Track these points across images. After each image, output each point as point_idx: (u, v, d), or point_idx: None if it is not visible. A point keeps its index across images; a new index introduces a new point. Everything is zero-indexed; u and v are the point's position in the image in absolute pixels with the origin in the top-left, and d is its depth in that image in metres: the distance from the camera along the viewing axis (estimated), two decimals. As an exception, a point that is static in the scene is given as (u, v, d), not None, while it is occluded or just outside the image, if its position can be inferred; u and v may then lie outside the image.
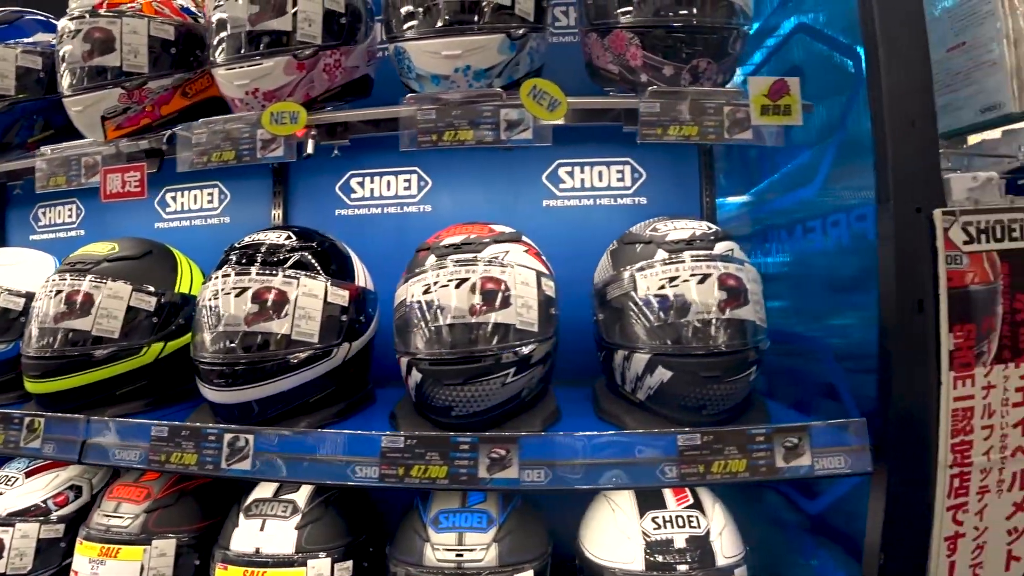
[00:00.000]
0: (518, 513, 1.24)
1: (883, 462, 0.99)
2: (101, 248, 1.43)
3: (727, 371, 1.04)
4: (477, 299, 1.07)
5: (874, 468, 0.98)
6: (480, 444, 0.94)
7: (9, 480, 1.52)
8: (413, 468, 0.94)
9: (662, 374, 1.05)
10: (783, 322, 1.45)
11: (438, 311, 1.08)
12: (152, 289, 1.39)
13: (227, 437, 1.05)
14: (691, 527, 1.15)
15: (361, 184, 1.71)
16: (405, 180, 1.69)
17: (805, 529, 1.33)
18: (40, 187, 1.41)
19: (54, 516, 1.49)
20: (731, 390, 1.05)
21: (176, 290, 1.44)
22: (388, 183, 1.70)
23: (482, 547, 1.15)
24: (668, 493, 1.22)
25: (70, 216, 1.98)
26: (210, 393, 1.16)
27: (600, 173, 1.64)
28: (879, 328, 1.01)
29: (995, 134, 1.31)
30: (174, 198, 1.85)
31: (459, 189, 1.68)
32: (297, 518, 1.25)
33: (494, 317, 1.06)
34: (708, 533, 1.15)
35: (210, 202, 1.81)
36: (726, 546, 1.14)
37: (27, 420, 1.23)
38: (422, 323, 1.09)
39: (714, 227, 1.22)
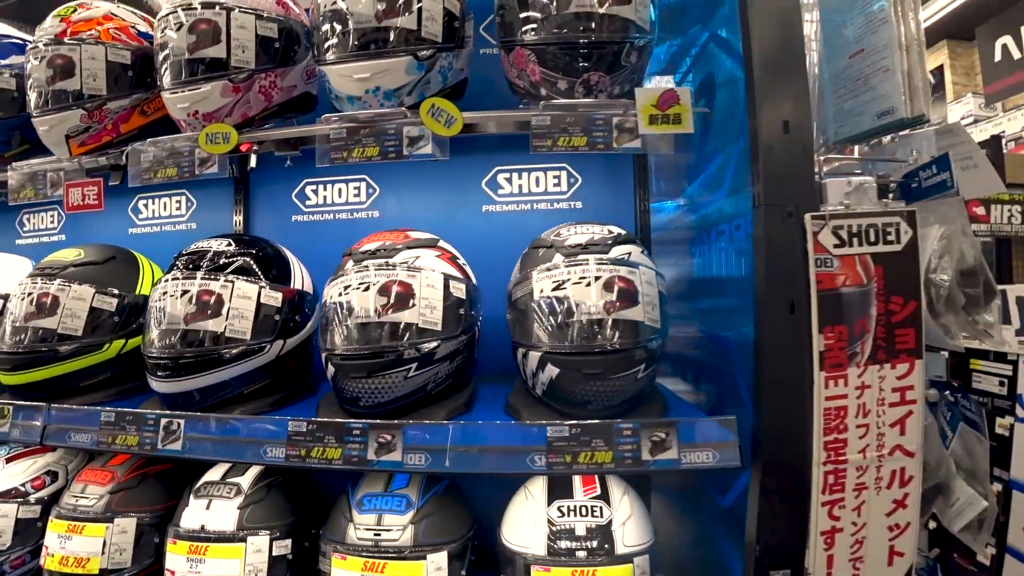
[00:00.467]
0: (438, 499, 1.34)
1: (758, 458, 1.05)
2: (69, 254, 1.56)
3: (610, 368, 1.11)
4: (382, 300, 1.18)
5: (746, 463, 1.04)
6: (369, 430, 1.04)
7: (-7, 465, 1.67)
8: (313, 450, 1.05)
9: (551, 371, 1.13)
10: (708, 323, 1.51)
11: (349, 311, 1.19)
12: (115, 291, 1.52)
13: (163, 421, 1.18)
14: (593, 516, 1.22)
15: (315, 191, 1.82)
16: (355, 187, 1.80)
17: (720, 521, 1.40)
18: (12, 200, 1.55)
19: (32, 498, 1.63)
20: (616, 387, 1.12)
21: (137, 292, 1.57)
22: (339, 190, 1.81)
23: (399, 528, 1.25)
24: (577, 483, 1.31)
25: (52, 222, 2.14)
26: (156, 384, 1.30)
27: (537, 179, 1.72)
28: (754, 329, 1.07)
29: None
30: (146, 205, 1.99)
31: (405, 196, 1.77)
32: (240, 499, 1.37)
33: (396, 317, 1.16)
34: (610, 523, 1.22)
35: (178, 209, 1.95)
36: (628, 536, 1.21)
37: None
38: (336, 322, 1.20)
39: (619, 231, 1.29)
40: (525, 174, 1.71)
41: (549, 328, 1.14)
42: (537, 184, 1.71)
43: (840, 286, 1.06)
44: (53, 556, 1.43)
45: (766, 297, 1.05)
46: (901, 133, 1.28)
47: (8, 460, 1.69)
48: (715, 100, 1.40)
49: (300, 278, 1.47)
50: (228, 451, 1.12)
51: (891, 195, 1.23)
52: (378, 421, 1.06)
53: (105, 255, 1.58)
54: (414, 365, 1.15)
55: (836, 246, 1.07)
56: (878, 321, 1.07)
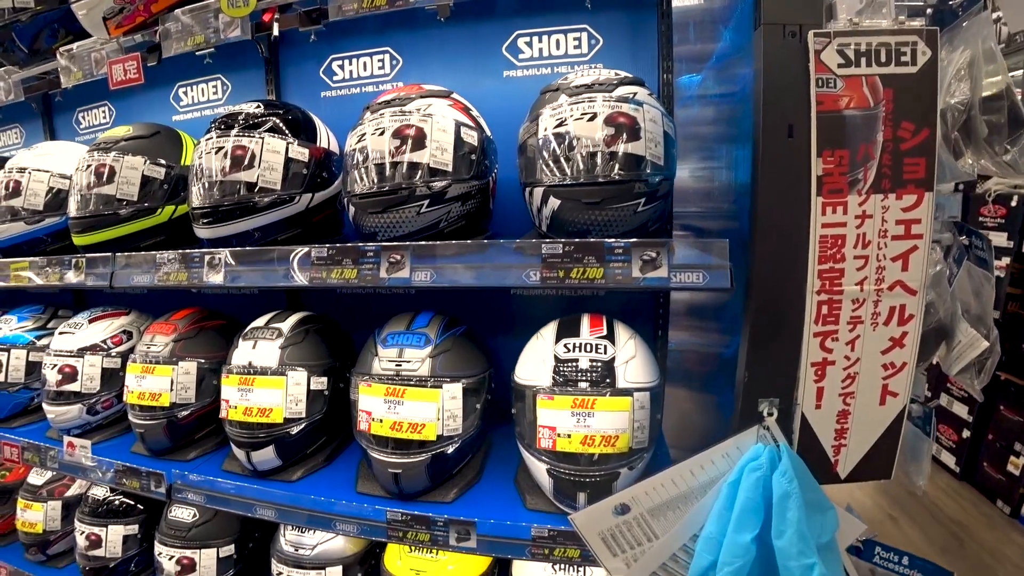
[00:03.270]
0: (455, 339, 1.46)
1: (751, 284, 1.07)
2: (120, 131, 1.70)
3: (608, 199, 1.15)
4: (396, 143, 1.25)
5: (737, 288, 1.08)
6: (381, 251, 1.14)
7: (77, 325, 1.91)
8: (333, 271, 1.16)
9: (553, 204, 1.18)
10: (718, 176, 1.52)
11: (366, 155, 1.27)
12: (162, 161, 1.66)
13: (207, 256, 1.33)
14: (597, 352, 1.30)
15: (341, 67, 1.88)
16: (379, 60, 1.84)
17: (722, 371, 1.45)
18: (65, 82, 1.69)
19: (113, 352, 1.88)
20: (613, 217, 1.16)
21: (182, 163, 1.70)
22: (364, 64, 1.85)
23: (418, 360, 1.38)
24: (584, 324, 1.39)
25: (104, 118, 2.32)
26: (199, 231, 1.44)
27: (558, 42, 1.70)
28: (751, 153, 1.07)
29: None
30: (185, 93, 2.11)
31: (428, 65, 1.80)
32: (281, 340, 1.54)
33: (408, 157, 1.24)
34: (613, 359, 1.28)
35: (215, 93, 2.06)
36: (631, 373, 1.27)
37: (73, 260, 1.57)
38: (354, 166, 1.29)
39: (627, 74, 1.29)
40: (545, 37, 1.70)
41: (552, 164, 1.18)
42: (558, 47, 1.70)
43: (843, 108, 1.01)
44: (132, 392, 1.66)
45: (763, 120, 1.04)
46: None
47: (91, 321, 1.93)
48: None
49: (327, 140, 1.56)
50: (261, 278, 1.25)
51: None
52: (390, 244, 1.15)
53: (151, 131, 1.71)
54: (426, 202, 1.23)
55: (841, 66, 1.02)
56: (885, 148, 1.02)
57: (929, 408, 1.35)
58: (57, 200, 1.86)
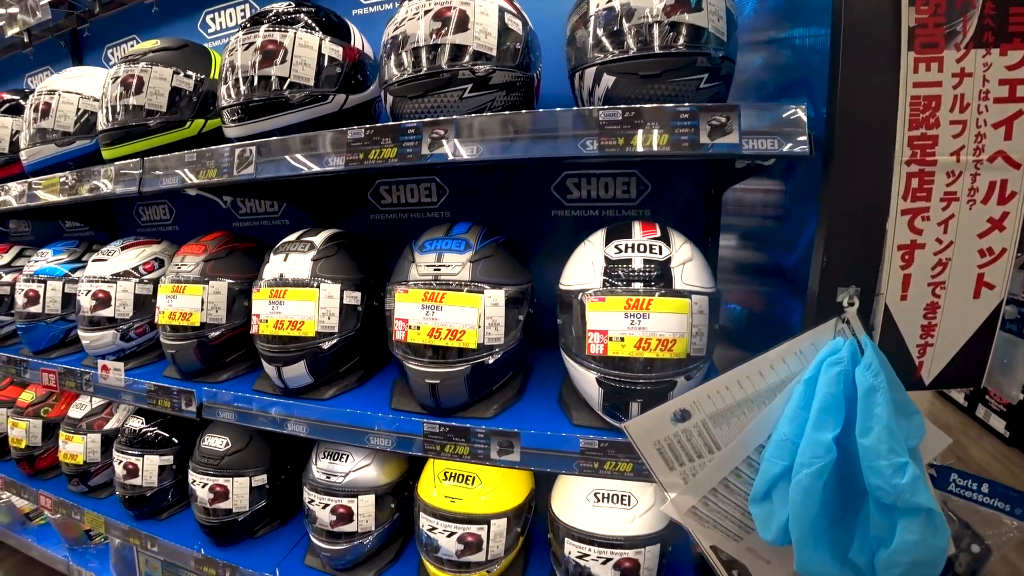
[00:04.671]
0: (496, 247, 1.37)
1: (832, 152, 0.96)
2: (148, 44, 1.65)
3: (667, 71, 1.04)
4: (436, 25, 1.15)
5: (816, 154, 0.96)
6: (423, 128, 1.05)
7: (110, 252, 1.89)
8: (371, 152, 1.08)
9: (606, 81, 1.08)
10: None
11: (405, 39, 1.18)
12: (190, 73, 1.60)
13: (238, 151, 1.26)
14: (651, 252, 1.20)
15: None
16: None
17: (784, 282, 1.34)
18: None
19: (145, 279, 1.85)
20: (673, 92, 1.06)
21: (211, 77, 1.64)
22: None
23: (458, 264, 1.29)
24: (636, 227, 1.29)
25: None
26: (229, 131, 1.37)
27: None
28: (832, 6, 0.95)
29: None
30: (212, 19, 2.07)
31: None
32: (313, 252, 1.47)
33: (450, 39, 1.14)
34: (669, 260, 1.19)
35: (243, 16, 2.00)
36: (687, 275, 1.17)
37: (103, 170, 1.52)
38: (394, 49, 1.20)
39: None
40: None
41: (605, 40, 1.08)
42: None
43: (938, -54, 0.89)
44: (163, 313, 1.62)
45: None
46: None
47: (123, 248, 1.90)
48: None
49: (361, 43, 1.48)
50: (292, 168, 1.18)
51: None
52: (429, 120, 1.06)
53: (179, 43, 1.65)
54: (469, 86, 1.14)
55: None
56: (988, -7, 0.88)
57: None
58: (88, 124, 1.82)
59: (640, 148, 0.95)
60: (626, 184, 1.71)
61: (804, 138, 0.95)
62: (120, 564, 2.29)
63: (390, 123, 1.09)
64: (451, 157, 1.01)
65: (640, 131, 0.95)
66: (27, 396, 2.38)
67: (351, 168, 1.09)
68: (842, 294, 1.00)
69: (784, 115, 0.96)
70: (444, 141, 1.02)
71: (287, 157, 1.18)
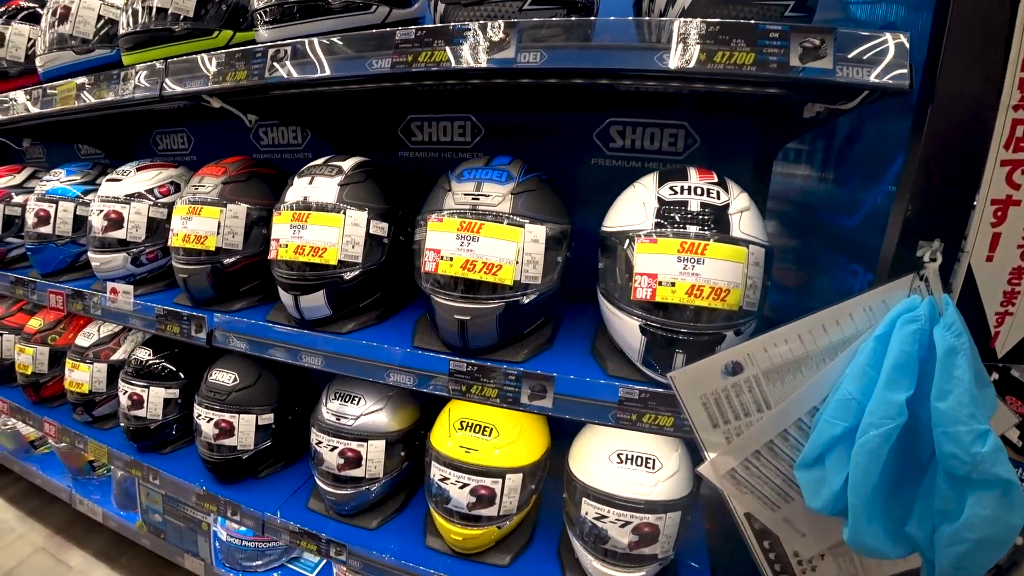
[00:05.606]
0: (538, 181, 1.28)
1: (931, 89, 0.86)
2: (178, -55, 1.54)
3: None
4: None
5: (913, 87, 0.86)
6: (483, 28, 0.95)
7: (125, 172, 1.81)
8: (421, 54, 0.98)
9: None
10: None
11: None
12: (219, -20, 1.50)
13: (270, 51, 1.15)
14: (709, 196, 1.11)
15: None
16: None
17: (846, 246, 1.25)
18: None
19: (160, 202, 1.77)
20: (756, 15, 0.95)
21: (243, -12, 1.54)
22: None
23: (498, 196, 1.20)
24: (692, 172, 1.20)
25: None
26: (261, 34, 1.27)
27: None
28: None
29: None
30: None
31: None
32: (341, 177, 1.39)
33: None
34: (727, 206, 1.10)
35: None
36: (745, 224, 1.08)
37: (123, 74, 1.43)
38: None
39: None
40: None
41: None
42: None
43: None
44: (177, 235, 1.54)
45: None
46: None
47: (139, 169, 1.82)
48: None
49: (407, -46, 1.37)
50: (331, 69, 1.08)
51: None
52: (483, 22, 0.96)
53: (210, -53, 1.55)
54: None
55: None
56: None
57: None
58: (108, 35, 1.72)
59: (722, 67, 0.85)
60: (673, 136, 1.61)
61: (904, 71, 0.85)
62: (121, 496, 2.26)
63: (441, 25, 0.99)
64: (514, 63, 0.91)
65: (724, 48, 0.85)
66: (35, 323, 2.32)
67: (398, 71, 0.99)
68: (923, 248, 0.91)
69: (883, 43, 0.86)
70: (505, 46, 0.92)
71: (326, 58, 1.08)
